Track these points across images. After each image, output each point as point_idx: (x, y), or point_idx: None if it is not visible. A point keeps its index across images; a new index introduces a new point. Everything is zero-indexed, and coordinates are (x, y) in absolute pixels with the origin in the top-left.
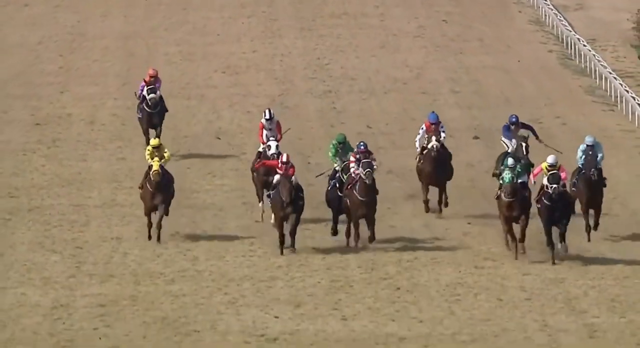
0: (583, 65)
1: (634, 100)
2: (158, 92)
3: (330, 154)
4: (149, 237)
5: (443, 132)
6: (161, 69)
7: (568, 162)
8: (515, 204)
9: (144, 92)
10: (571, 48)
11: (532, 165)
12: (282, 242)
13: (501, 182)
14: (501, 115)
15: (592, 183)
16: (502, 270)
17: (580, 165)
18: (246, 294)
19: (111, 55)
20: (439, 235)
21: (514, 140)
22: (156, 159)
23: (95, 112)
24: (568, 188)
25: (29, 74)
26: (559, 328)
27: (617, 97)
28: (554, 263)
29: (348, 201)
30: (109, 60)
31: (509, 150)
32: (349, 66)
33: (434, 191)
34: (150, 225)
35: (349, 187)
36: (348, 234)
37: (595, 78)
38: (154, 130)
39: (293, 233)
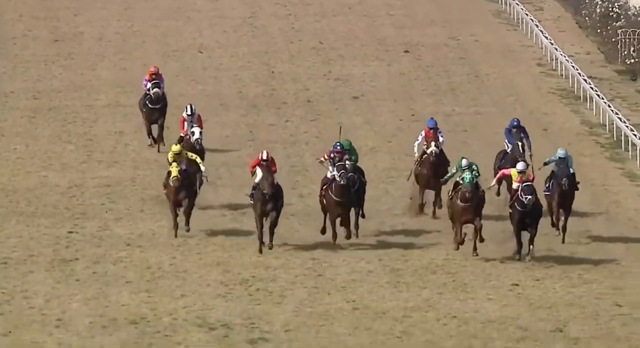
0: None
1: (532, 21)
2: (162, 87)
3: None
4: (175, 235)
5: (441, 136)
6: None
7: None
8: (471, 207)
9: (148, 86)
10: None
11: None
12: (261, 240)
13: (461, 182)
14: (428, 33)
15: (563, 191)
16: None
17: (553, 170)
18: (223, 177)
19: None
20: (377, 129)
21: (512, 142)
22: (174, 164)
23: (103, 31)
24: (542, 193)
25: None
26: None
27: (518, 19)
28: (520, 260)
29: (325, 201)
30: None
31: (508, 151)
32: None
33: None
34: (176, 224)
35: (324, 187)
36: (323, 232)
37: (502, 4)
38: (155, 125)
39: (272, 231)
